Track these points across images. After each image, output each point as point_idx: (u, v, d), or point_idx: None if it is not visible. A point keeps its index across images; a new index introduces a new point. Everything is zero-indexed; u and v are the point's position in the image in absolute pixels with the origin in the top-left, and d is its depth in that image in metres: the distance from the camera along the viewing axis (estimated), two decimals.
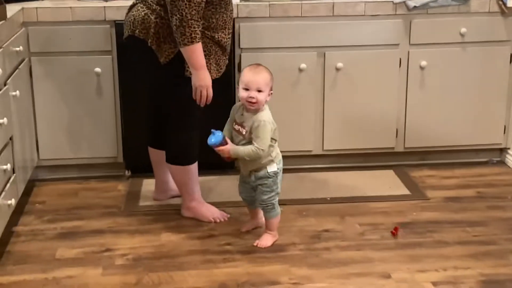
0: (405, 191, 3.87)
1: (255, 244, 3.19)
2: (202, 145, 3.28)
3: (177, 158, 3.40)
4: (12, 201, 3.26)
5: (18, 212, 3.57)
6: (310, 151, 4.17)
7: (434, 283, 2.88)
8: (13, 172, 3.39)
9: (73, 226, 3.45)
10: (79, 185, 3.99)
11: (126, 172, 4.10)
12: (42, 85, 3.91)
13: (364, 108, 4.11)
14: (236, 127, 3.14)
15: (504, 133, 4.25)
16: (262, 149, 3.01)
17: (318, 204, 3.69)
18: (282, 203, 3.62)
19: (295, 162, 4.16)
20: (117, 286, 2.88)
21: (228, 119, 3.21)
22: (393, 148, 4.20)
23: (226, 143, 3.07)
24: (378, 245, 3.22)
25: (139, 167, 4.03)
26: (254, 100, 3.00)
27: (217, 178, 4.00)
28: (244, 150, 3.04)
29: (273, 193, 3.15)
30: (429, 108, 4.14)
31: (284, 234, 3.31)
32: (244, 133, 3.07)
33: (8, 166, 3.20)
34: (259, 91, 3.00)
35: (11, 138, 3.34)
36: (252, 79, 3.00)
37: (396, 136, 4.17)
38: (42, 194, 3.86)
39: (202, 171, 3.57)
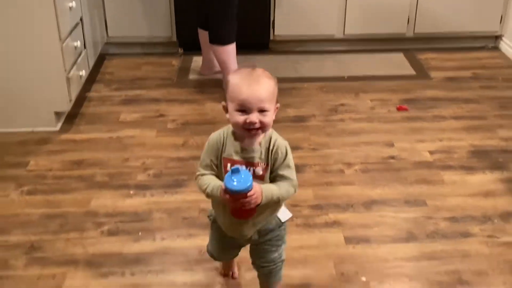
0: (411, 71, 3.61)
1: None
2: (239, 28, 3.09)
3: (218, 39, 3.17)
4: (83, 72, 3.12)
5: (91, 80, 3.45)
6: (333, 35, 3.87)
7: (430, 152, 2.71)
8: (84, 48, 3.24)
9: (135, 94, 3.31)
10: (141, 60, 3.81)
11: (179, 50, 3.89)
12: None
13: None
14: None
15: (500, 22, 3.89)
16: (297, 184, 1.55)
17: (337, 81, 3.46)
18: (305, 80, 3.46)
19: (318, 45, 3.92)
20: (168, 145, 2.78)
21: (205, 161, 1.56)
22: (404, 33, 3.89)
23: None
24: (385, 118, 3.03)
25: (190, 45, 3.79)
26: (257, 126, 1.46)
27: (252, 57, 3.74)
28: (279, 189, 1.52)
29: (284, 245, 1.70)
30: None
31: (306, 107, 3.14)
32: (261, 172, 1.53)
33: (79, 43, 3.03)
34: (263, 110, 1.46)
35: (81, 19, 3.15)
36: (250, 95, 1.44)
37: (408, 22, 3.84)
38: (111, 66, 3.71)
39: (240, 50, 3.30)
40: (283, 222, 1.63)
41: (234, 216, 1.54)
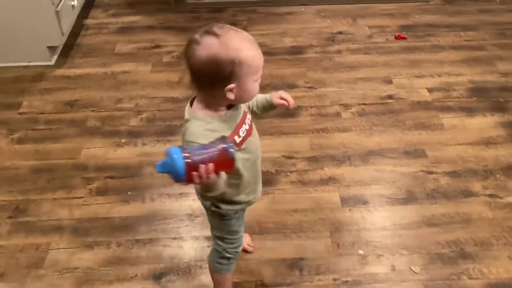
0: None
1: None
2: None
3: None
4: (75, 1, 2.44)
5: (89, 5, 2.76)
6: None
7: (429, 89, 2.12)
8: None
9: (131, 21, 2.63)
10: None
11: None
12: None
13: None
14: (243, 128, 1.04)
15: None
16: None
17: (335, 4, 2.74)
18: (304, 3, 2.75)
19: None
20: (163, 83, 2.18)
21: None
22: None
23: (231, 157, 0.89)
24: (383, 48, 2.38)
25: None
26: None
27: None
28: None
29: None
30: None
31: (304, 36, 2.47)
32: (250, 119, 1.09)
33: None
34: None
35: None
36: (261, 57, 0.98)
37: None
38: None
39: None
40: None
41: (225, 169, 0.91)
